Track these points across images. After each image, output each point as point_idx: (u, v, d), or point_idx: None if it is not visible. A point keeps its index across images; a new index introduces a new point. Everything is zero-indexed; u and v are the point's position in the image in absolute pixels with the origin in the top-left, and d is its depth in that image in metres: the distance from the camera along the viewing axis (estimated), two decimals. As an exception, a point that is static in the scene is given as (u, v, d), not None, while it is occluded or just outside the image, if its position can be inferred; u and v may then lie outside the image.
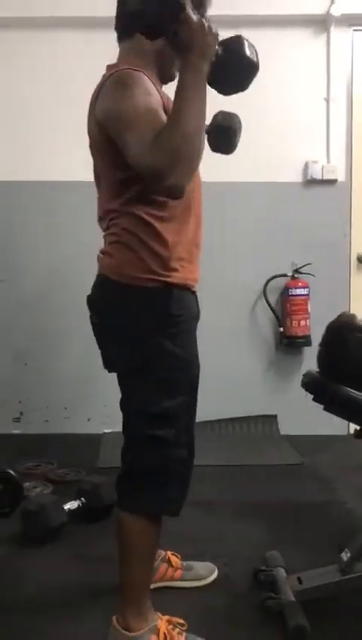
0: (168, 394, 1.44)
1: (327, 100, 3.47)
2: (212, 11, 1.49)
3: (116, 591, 1.53)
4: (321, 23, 3.43)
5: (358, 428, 1.71)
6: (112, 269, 1.47)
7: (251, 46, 1.39)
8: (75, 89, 3.31)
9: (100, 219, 1.55)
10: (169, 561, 1.86)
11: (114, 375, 1.55)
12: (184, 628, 1.56)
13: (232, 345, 3.48)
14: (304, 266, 3.43)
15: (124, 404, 1.52)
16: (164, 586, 1.82)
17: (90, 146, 1.51)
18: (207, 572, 1.89)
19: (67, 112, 3.32)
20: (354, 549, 1.70)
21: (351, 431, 1.84)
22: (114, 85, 1.39)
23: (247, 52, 1.38)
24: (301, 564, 1.84)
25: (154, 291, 1.43)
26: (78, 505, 2.28)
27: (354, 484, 2.67)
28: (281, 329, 3.47)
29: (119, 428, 1.52)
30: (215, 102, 1.46)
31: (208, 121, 1.50)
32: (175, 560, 1.88)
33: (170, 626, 1.53)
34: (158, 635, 1.49)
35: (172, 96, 1.30)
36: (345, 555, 1.71)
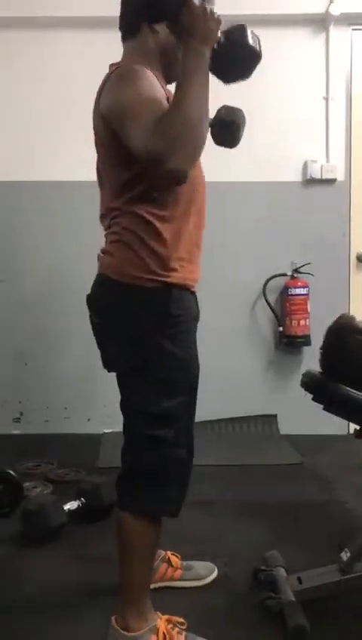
0: (167, 394, 1.44)
1: (326, 99, 3.47)
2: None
3: (116, 591, 1.53)
4: (320, 22, 3.43)
5: (358, 427, 1.71)
6: (113, 269, 1.47)
7: (254, 35, 1.39)
8: (76, 89, 3.33)
9: (102, 217, 1.55)
10: (169, 561, 1.86)
11: (114, 375, 1.55)
12: (184, 627, 1.56)
13: (232, 344, 3.48)
14: (303, 265, 3.43)
15: (123, 405, 1.52)
16: (164, 586, 1.82)
17: (96, 144, 1.51)
18: (207, 572, 1.89)
19: (67, 112, 3.33)
20: (354, 548, 1.70)
21: (351, 431, 1.84)
22: (117, 79, 1.40)
23: (250, 41, 1.38)
24: (301, 563, 1.85)
25: (154, 291, 1.43)
26: (78, 505, 2.28)
27: (354, 484, 2.67)
28: (281, 328, 3.47)
29: (119, 428, 1.52)
30: (218, 97, 1.46)
31: (212, 114, 1.50)
32: (175, 560, 1.88)
33: (170, 626, 1.53)
34: (158, 635, 1.49)
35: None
36: (345, 555, 1.71)
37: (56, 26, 3.34)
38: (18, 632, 1.65)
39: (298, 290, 3.42)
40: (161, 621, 1.52)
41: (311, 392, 1.69)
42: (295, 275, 3.46)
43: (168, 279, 1.43)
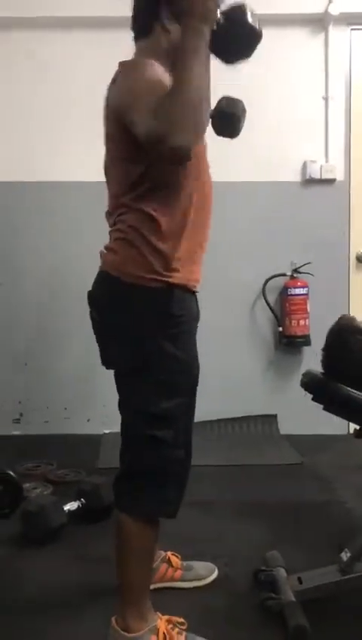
0: (167, 395, 1.44)
1: (326, 99, 3.47)
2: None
3: (116, 591, 1.53)
4: (319, 22, 3.43)
5: (358, 427, 1.71)
6: (115, 267, 1.47)
7: (254, 14, 1.39)
8: (76, 90, 3.34)
9: (108, 214, 1.54)
10: (169, 562, 1.86)
11: (114, 376, 1.54)
12: (184, 627, 1.56)
13: (232, 345, 3.48)
14: (303, 265, 3.43)
15: (122, 405, 1.51)
16: (164, 587, 1.82)
17: (106, 140, 1.50)
18: (207, 572, 1.89)
19: (67, 112, 3.34)
20: (354, 548, 1.70)
21: (351, 430, 1.84)
22: (125, 70, 1.41)
23: (250, 19, 1.38)
24: (301, 563, 1.85)
25: (156, 291, 1.43)
26: (78, 506, 2.28)
27: (354, 484, 2.67)
28: (280, 328, 3.47)
29: (119, 428, 1.52)
30: (218, 91, 1.47)
31: (212, 105, 1.50)
32: (175, 560, 1.87)
33: (170, 626, 1.53)
34: (158, 635, 1.49)
35: None
36: (345, 555, 1.71)
37: (56, 26, 3.34)
38: (18, 632, 1.65)
39: (297, 290, 3.42)
40: (161, 621, 1.52)
41: (311, 392, 1.70)
42: (294, 275, 3.46)
43: (170, 279, 1.43)
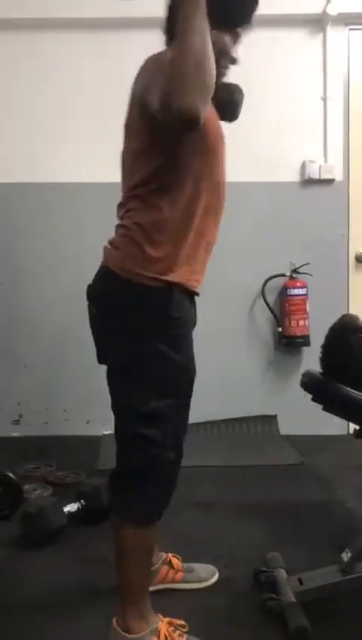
0: (158, 394, 1.43)
1: (324, 100, 3.47)
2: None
3: (116, 592, 1.53)
4: (317, 23, 3.43)
5: (358, 427, 1.71)
6: (117, 263, 1.46)
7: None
8: (78, 90, 3.34)
9: (119, 205, 1.54)
10: (170, 563, 1.86)
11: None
12: (185, 630, 1.56)
13: (231, 345, 3.48)
14: (302, 265, 3.43)
15: (113, 403, 1.51)
16: (165, 588, 1.81)
17: (126, 133, 1.51)
18: (208, 574, 1.88)
19: (68, 113, 3.33)
20: (355, 549, 1.69)
21: (351, 431, 1.84)
22: (148, 60, 1.43)
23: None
24: (301, 564, 1.84)
25: (156, 291, 1.42)
26: (78, 507, 2.27)
27: (354, 484, 2.67)
28: (280, 329, 3.47)
29: (116, 429, 1.51)
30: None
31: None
32: (176, 562, 1.87)
33: (171, 628, 1.53)
34: (159, 637, 1.48)
35: None
36: (346, 556, 1.70)
37: (56, 27, 3.34)
38: (18, 632, 1.65)
39: (297, 291, 3.42)
40: (162, 623, 1.51)
41: (310, 392, 1.69)
42: (294, 275, 3.46)
43: (170, 278, 1.43)
